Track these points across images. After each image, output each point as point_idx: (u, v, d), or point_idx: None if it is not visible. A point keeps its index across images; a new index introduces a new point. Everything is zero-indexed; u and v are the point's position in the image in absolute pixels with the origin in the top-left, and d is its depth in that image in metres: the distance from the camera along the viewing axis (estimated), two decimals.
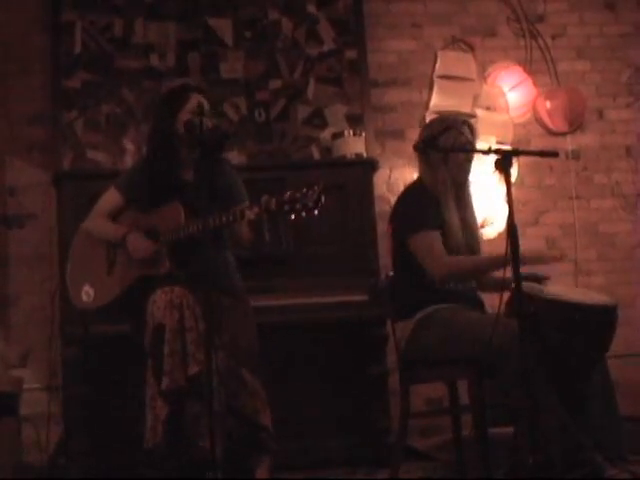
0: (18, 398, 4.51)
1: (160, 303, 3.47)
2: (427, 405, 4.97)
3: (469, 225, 3.82)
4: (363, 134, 5.01)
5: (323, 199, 3.25)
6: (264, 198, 3.35)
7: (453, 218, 3.72)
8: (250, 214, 3.37)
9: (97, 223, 3.80)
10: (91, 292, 3.72)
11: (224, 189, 3.68)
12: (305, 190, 3.26)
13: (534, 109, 5.49)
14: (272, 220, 3.49)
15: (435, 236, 3.66)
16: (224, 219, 3.42)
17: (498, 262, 3.61)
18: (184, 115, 3.66)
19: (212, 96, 3.89)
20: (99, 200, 3.84)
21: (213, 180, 3.58)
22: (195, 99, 3.65)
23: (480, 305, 3.81)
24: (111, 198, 3.80)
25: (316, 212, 3.26)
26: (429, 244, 3.65)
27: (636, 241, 5.48)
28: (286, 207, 3.27)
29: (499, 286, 3.52)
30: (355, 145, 4.95)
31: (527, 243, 5.02)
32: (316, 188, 3.25)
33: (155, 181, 3.70)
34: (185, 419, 3.44)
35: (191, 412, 3.43)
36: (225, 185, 3.71)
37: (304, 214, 3.25)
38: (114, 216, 3.79)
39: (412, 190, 3.88)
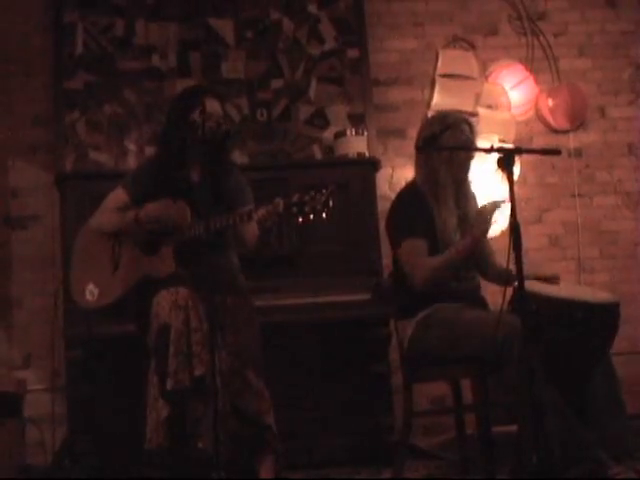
0: (22, 399, 4.52)
1: (165, 304, 3.46)
2: (430, 404, 4.97)
3: (469, 221, 3.81)
4: (365, 133, 5.01)
5: (332, 202, 3.24)
6: (276, 201, 3.34)
7: (450, 218, 3.72)
8: (258, 215, 3.37)
9: (105, 217, 3.77)
10: (95, 291, 3.71)
11: (230, 191, 3.69)
12: (314, 193, 3.26)
13: (536, 107, 5.49)
14: (278, 221, 3.49)
15: (417, 245, 3.68)
16: (230, 220, 3.42)
17: (465, 248, 3.63)
18: (192, 117, 3.66)
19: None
20: (105, 198, 3.83)
21: (219, 182, 3.59)
22: (205, 101, 3.64)
23: (483, 303, 3.82)
24: (117, 197, 3.79)
25: (324, 215, 3.25)
26: (410, 254, 3.68)
27: (638, 238, 5.48)
28: (294, 209, 3.27)
29: (503, 279, 3.53)
30: (357, 144, 4.95)
31: (530, 241, 5.06)
32: (325, 191, 3.25)
33: (163, 181, 3.70)
34: (187, 420, 3.44)
35: (193, 413, 3.43)
36: (231, 188, 3.71)
37: (312, 217, 3.25)
38: None
39: (402, 196, 3.89)
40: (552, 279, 3.73)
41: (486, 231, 3.63)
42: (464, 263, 3.71)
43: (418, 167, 3.88)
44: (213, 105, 3.64)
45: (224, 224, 3.43)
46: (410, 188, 3.88)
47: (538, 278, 3.66)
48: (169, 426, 3.41)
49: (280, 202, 3.31)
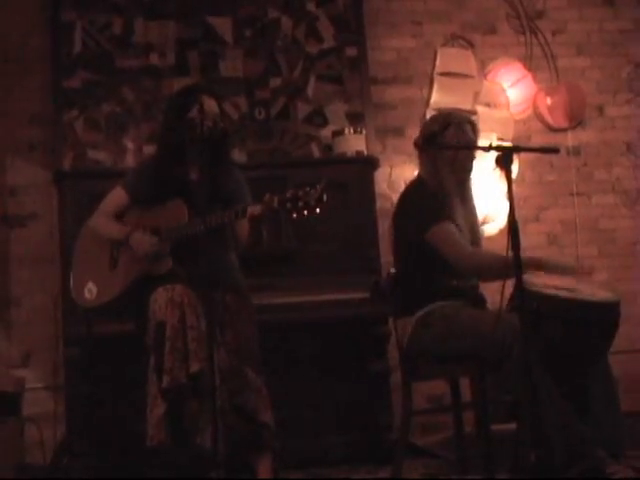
0: (20, 398, 4.51)
1: (161, 301, 3.48)
2: (429, 402, 4.97)
3: (471, 222, 3.82)
4: (363, 132, 5.01)
5: (325, 197, 3.25)
6: (267, 196, 3.36)
7: (459, 218, 3.72)
8: (253, 211, 3.38)
9: (101, 222, 3.81)
10: (94, 289, 3.73)
11: (228, 190, 3.69)
12: (307, 188, 3.27)
13: (534, 105, 5.49)
14: (274, 218, 3.50)
15: (452, 227, 3.65)
16: (226, 217, 3.42)
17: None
18: (189, 115, 3.66)
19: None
20: (105, 198, 3.85)
21: (217, 181, 3.59)
22: (202, 100, 3.64)
23: (482, 302, 3.82)
24: (117, 197, 3.81)
25: (318, 210, 3.26)
26: (449, 235, 3.64)
27: (637, 237, 5.48)
28: (288, 205, 3.28)
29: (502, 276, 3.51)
30: (355, 143, 4.95)
31: (528, 240, 5.06)
32: (318, 187, 3.26)
33: (162, 180, 3.71)
34: (184, 417, 3.44)
35: (190, 410, 3.43)
36: (230, 187, 3.72)
37: (306, 212, 3.26)
38: (119, 215, 3.80)
39: (415, 188, 3.87)
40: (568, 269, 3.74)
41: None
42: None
43: (422, 166, 3.86)
44: (209, 104, 3.65)
45: (219, 221, 3.43)
46: (418, 183, 3.87)
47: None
48: (167, 424, 3.42)
49: (274, 198, 3.32)
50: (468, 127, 3.79)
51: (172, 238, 3.58)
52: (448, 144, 3.73)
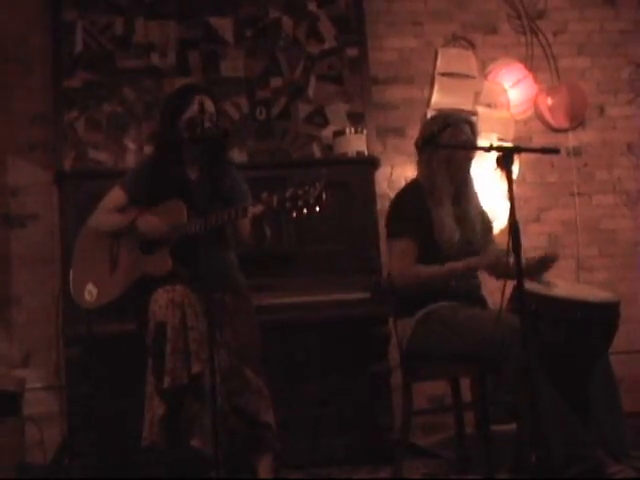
0: (21, 398, 4.51)
1: (161, 302, 3.47)
2: (430, 402, 4.97)
3: (469, 220, 3.82)
4: (364, 132, 5.01)
5: (324, 196, 3.25)
6: (264, 195, 3.36)
7: (447, 216, 3.73)
8: (253, 211, 3.38)
9: (103, 217, 3.81)
10: (94, 291, 3.73)
11: (227, 190, 3.69)
12: (307, 187, 3.27)
13: (535, 106, 5.49)
14: (274, 218, 3.49)
15: (405, 246, 3.70)
16: (226, 216, 3.43)
17: (457, 271, 3.64)
18: (188, 115, 3.67)
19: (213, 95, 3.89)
20: (104, 198, 3.85)
21: (217, 180, 3.60)
22: (199, 99, 3.66)
23: (482, 303, 3.82)
24: (115, 196, 3.82)
25: (317, 209, 3.26)
26: (396, 253, 3.72)
27: (638, 237, 5.48)
28: (288, 204, 3.28)
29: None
30: (356, 143, 4.94)
31: (529, 240, 5.06)
32: (317, 185, 3.26)
33: (159, 180, 3.71)
34: (181, 418, 3.44)
35: (188, 411, 3.43)
36: (229, 186, 3.72)
37: (306, 211, 3.26)
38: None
39: (402, 194, 3.92)
40: (546, 260, 3.72)
41: (492, 268, 3.64)
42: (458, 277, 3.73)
43: (419, 166, 3.88)
44: (206, 104, 3.65)
45: (219, 221, 3.44)
46: (411, 186, 3.89)
47: (531, 265, 3.66)
48: (165, 424, 3.41)
49: (274, 197, 3.32)
50: (466, 127, 3.80)
51: (173, 238, 3.58)
52: (448, 144, 3.74)
